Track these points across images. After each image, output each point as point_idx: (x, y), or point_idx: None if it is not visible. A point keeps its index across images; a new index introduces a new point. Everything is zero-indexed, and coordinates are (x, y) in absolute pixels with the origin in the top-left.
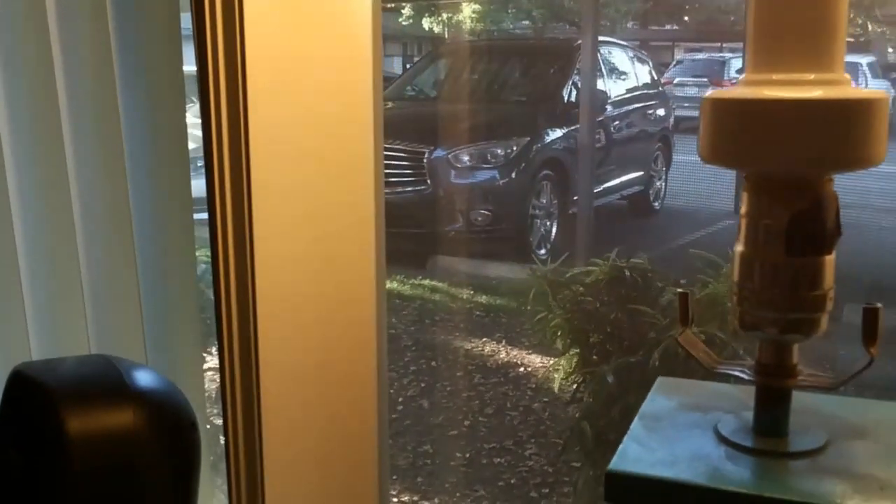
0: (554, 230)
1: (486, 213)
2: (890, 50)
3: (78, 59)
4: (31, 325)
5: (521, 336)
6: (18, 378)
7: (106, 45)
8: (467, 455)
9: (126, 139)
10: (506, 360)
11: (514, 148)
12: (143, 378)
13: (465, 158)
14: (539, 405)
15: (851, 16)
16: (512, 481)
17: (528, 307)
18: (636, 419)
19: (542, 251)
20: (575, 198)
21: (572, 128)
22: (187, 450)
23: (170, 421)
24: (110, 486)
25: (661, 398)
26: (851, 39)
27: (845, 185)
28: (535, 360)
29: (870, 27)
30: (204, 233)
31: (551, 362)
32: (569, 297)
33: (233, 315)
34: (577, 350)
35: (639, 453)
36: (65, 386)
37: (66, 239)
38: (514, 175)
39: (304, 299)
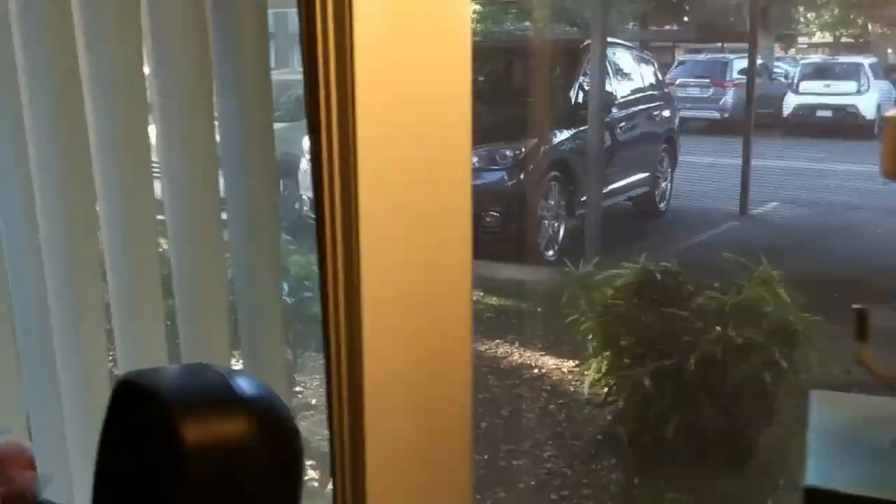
0: (562, 231)
1: (494, 214)
2: (889, 51)
3: (174, 69)
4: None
5: (532, 338)
6: (128, 387)
7: (204, 51)
8: (486, 456)
9: (222, 146)
10: (519, 361)
11: (523, 149)
12: (249, 386)
13: (474, 160)
14: (555, 407)
15: (851, 17)
16: (532, 483)
17: (539, 309)
18: (810, 434)
19: (550, 252)
20: (583, 199)
21: (579, 129)
22: (293, 456)
23: (277, 428)
24: (224, 493)
25: (826, 412)
26: (851, 40)
27: (853, 188)
28: (549, 362)
29: (870, 28)
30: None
31: (565, 364)
32: (599, 299)
33: (340, 323)
34: (608, 353)
35: (829, 468)
36: (178, 395)
37: (149, 246)
38: (522, 176)
39: (407, 304)
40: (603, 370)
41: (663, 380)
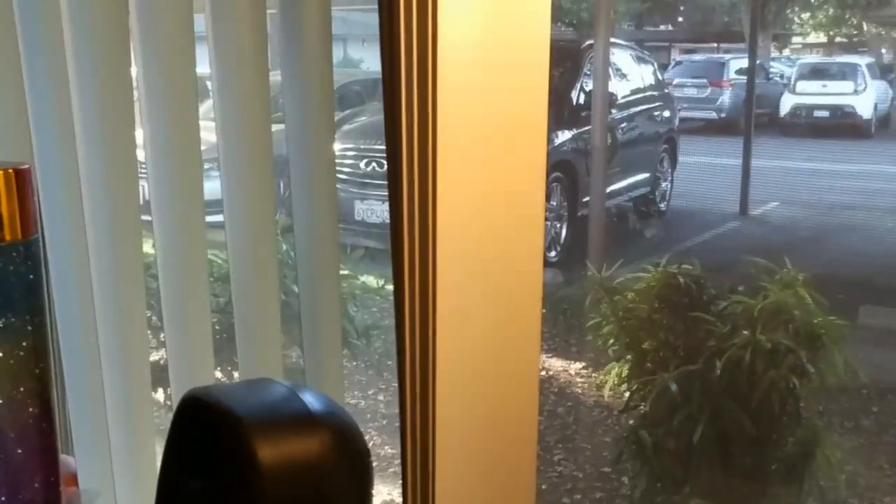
0: (564, 232)
1: None
2: (883, 51)
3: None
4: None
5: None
6: (196, 404)
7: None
8: None
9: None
10: None
11: None
12: (321, 403)
13: None
14: (563, 410)
15: (847, 17)
16: (543, 487)
17: (543, 310)
18: None
19: (552, 253)
20: (585, 199)
21: (581, 130)
22: (366, 477)
23: (351, 448)
24: None
25: None
26: (846, 40)
27: (849, 187)
28: (556, 364)
29: (865, 28)
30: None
31: (573, 365)
32: (620, 303)
33: (416, 335)
34: (630, 357)
35: None
36: (251, 412)
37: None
38: None
39: (481, 309)
40: (624, 374)
41: (689, 385)
